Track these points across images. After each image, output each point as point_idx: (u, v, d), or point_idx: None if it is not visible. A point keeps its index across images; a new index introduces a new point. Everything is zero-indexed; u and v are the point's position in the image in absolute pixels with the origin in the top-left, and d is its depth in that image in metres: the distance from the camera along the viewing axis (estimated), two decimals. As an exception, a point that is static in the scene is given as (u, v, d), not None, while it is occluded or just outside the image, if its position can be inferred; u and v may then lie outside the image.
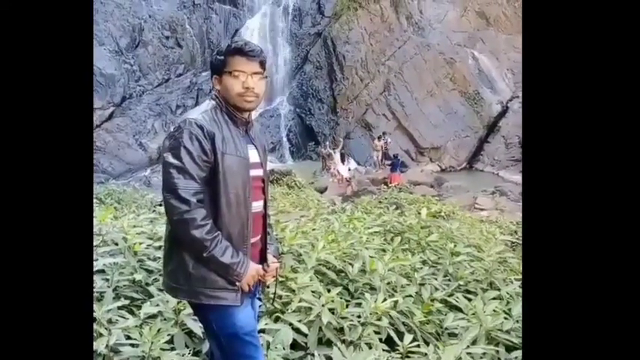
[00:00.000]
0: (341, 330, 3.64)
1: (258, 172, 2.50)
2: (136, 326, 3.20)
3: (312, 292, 3.84)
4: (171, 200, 2.23)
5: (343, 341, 3.51)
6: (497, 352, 3.58)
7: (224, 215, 2.32)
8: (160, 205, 8.10)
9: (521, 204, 13.18)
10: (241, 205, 2.37)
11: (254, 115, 2.63)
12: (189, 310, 3.24)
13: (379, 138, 25.53)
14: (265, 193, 2.59)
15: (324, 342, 3.54)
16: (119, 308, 3.36)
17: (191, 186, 2.23)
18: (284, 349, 3.30)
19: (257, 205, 2.49)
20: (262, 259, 2.57)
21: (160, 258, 3.72)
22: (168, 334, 3.15)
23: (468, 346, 3.46)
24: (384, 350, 3.44)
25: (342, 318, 3.68)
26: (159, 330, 3.12)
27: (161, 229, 4.65)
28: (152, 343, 2.97)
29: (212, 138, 2.29)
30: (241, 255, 2.35)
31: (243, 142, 2.44)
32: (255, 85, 2.42)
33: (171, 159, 2.26)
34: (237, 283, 2.34)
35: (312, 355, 3.32)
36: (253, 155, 2.48)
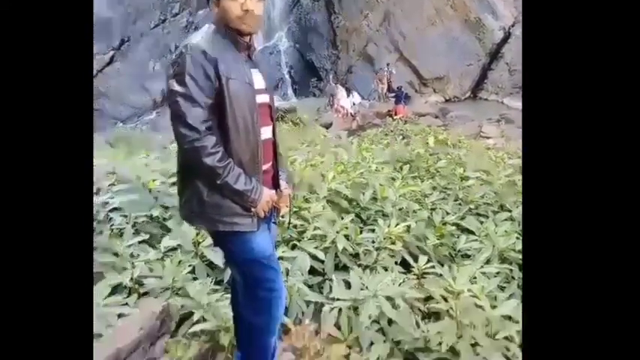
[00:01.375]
0: (356, 255, 3.71)
1: (264, 99, 2.46)
2: (158, 259, 3.28)
3: (326, 220, 3.90)
4: (180, 128, 2.20)
5: (359, 265, 3.59)
6: (511, 270, 3.65)
7: (233, 142, 2.29)
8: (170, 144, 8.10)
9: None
10: (250, 132, 2.33)
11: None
12: (208, 241, 3.30)
13: (380, 70, 25.21)
14: (273, 119, 2.56)
15: (340, 267, 3.62)
16: (139, 243, 3.43)
17: (199, 113, 2.20)
18: (302, 275, 3.38)
19: (266, 131, 2.46)
20: (275, 186, 2.58)
21: (174, 194, 3.76)
22: (190, 265, 3.23)
23: (482, 266, 3.53)
24: (399, 272, 3.51)
25: (357, 244, 3.75)
26: (180, 262, 3.20)
27: (173, 166, 4.68)
28: (175, 274, 3.05)
29: (215, 63, 2.24)
30: (254, 181, 2.34)
31: (247, 66, 2.38)
32: (254, 6, 2.33)
33: (176, 86, 2.21)
34: (252, 209, 2.35)
35: (331, 280, 3.39)
36: (258, 80, 2.43)
